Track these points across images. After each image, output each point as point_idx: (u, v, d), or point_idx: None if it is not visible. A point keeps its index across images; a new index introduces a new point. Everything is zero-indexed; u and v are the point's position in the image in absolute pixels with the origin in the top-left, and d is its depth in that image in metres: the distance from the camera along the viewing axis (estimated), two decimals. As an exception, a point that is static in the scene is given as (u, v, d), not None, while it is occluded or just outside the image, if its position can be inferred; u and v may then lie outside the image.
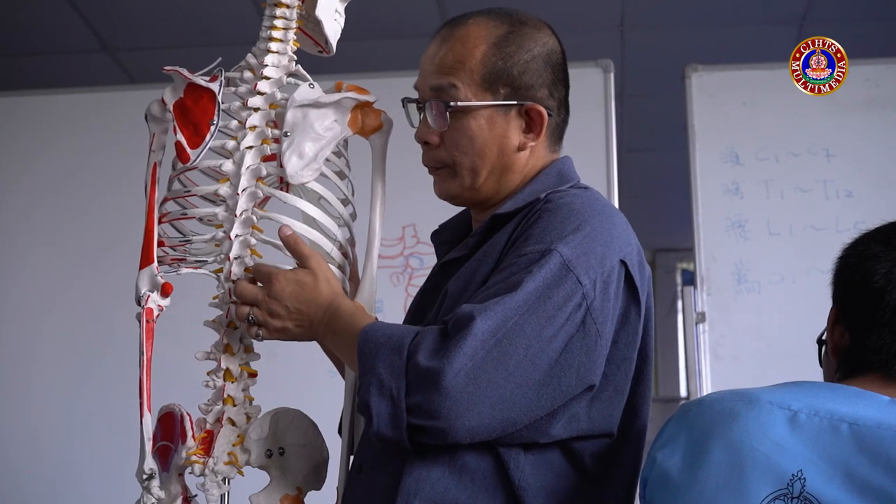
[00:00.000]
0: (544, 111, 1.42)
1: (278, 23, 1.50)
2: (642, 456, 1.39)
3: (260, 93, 1.48)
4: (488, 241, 1.39)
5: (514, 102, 1.41)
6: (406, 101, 1.49)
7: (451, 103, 1.40)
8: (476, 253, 1.39)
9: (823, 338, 1.30)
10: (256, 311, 1.39)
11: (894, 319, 1.19)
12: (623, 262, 1.33)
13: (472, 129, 1.41)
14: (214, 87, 1.45)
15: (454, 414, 1.20)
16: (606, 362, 1.31)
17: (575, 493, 1.31)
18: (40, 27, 3.75)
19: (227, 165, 1.46)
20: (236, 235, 1.44)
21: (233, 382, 1.44)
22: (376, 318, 1.47)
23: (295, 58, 1.52)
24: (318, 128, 1.45)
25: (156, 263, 1.43)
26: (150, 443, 1.39)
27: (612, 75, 3.09)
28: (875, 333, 1.20)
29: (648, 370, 1.40)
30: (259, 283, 1.41)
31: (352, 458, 1.47)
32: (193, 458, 1.39)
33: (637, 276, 1.35)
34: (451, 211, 1.57)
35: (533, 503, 1.28)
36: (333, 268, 1.46)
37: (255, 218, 1.45)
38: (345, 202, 1.51)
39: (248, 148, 1.46)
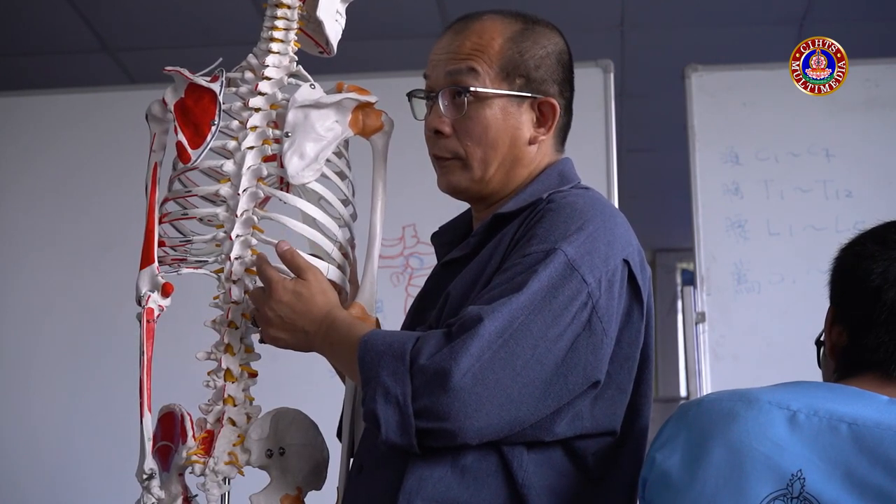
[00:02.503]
0: (557, 105, 1.44)
1: (279, 23, 1.51)
2: (644, 455, 1.39)
3: (261, 93, 1.48)
4: (490, 240, 1.39)
5: (529, 94, 1.42)
6: (412, 95, 1.49)
7: (471, 88, 1.41)
8: (478, 253, 1.40)
9: (822, 339, 1.30)
10: (258, 314, 1.41)
11: (891, 318, 1.19)
12: (626, 262, 1.33)
13: (487, 118, 1.42)
14: (215, 87, 1.45)
15: (463, 415, 1.20)
16: (610, 361, 1.31)
17: (577, 492, 1.32)
18: (40, 27, 3.75)
19: (228, 166, 1.46)
20: (237, 236, 1.44)
21: (233, 382, 1.44)
22: (376, 319, 1.47)
23: (296, 58, 1.52)
24: (319, 128, 1.45)
25: (156, 263, 1.43)
26: (151, 443, 1.39)
27: (612, 75, 3.09)
28: (872, 333, 1.20)
29: (649, 370, 1.41)
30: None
31: (351, 458, 1.47)
32: (194, 457, 1.40)
33: (639, 276, 1.35)
34: (451, 211, 1.57)
35: (536, 502, 1.28)
36: (333, 268, 1.46)
37: (255, 218, 1.45)
38: (345, 202, 1.51)
39: (249, 148, 1.47)
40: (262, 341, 1.44)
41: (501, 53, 1.42)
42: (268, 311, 1.39)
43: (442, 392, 1.20)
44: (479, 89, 1.41)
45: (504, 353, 1.22)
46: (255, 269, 1.43)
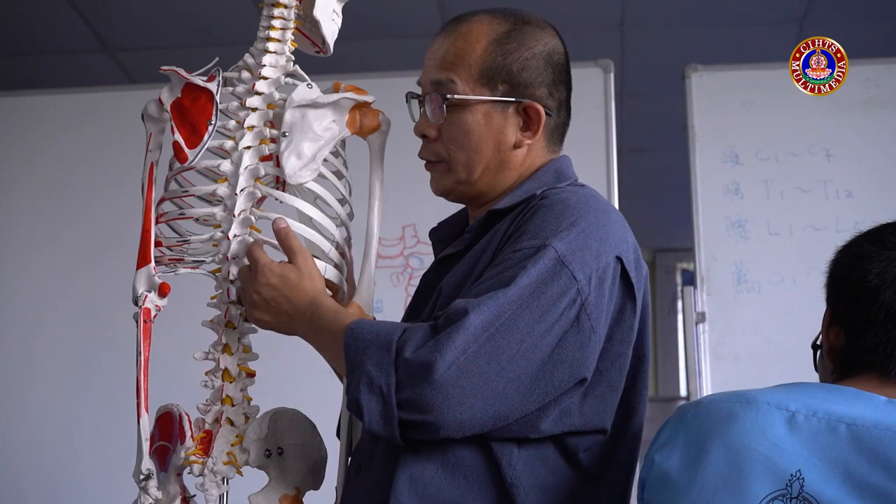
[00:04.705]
0: (542, 109, 1.42)
1: (276, 23, 1.50)
2: (638, 454, 1.39)
3: (258, 93, 1.48)
4: (484, 236, 1.40)
5: (512, 99, 1.42)
6: (409, 97, 1.50)
7: (448, 96, 1.41)
8: (472, 249, 1.40)
9: (818, 342, 1.30)
10: (243, 294, 1.42)
11: (889, 318, 1.19)
12: (619, 259, 1.33)
13: (469, 124, 1.42)
14: (212, 86, 1.45)
15: (445, 407, 1.20)
16: (600, 358, 1.31)
17: (569, 490, 1.31)
18: (40, 27, 3.75)
19: (226, 165, 1.46)
20: (234, 235, 1.44)
21: (231, 382, 1.44)
22: (374, 319, 1.47)
23: (293, 58, 1.52)
24: (317, 128, 1.45)
25: (153, 263, 1.43)
26: (148, 443, 1.39)
27: (612, 75, 3.09)
28: (871, 333, 1.20)
29: (645, 368, 1.40)
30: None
31: (350, 458, 1.47)
32: (192, 458, 1.40)
33: (633, 273, 1.35)
34: (450, 211, 1.57)
35: (525, 500, 1.27)
36: (330, 267, 1.46)
37: (253, 218, 1.45)
38: (342, 202, 1.51)
39: (246, 148, 1.46)
40: (245, 321, 1.44)
41: (483, 58, 1.41)
42: (252, 293, 1.39)
43: (426, 384, 1.20)
44: (457, 97, 1.41)
45: (490, 347, 1.21)
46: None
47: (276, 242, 1.43)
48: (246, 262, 1.43)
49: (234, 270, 1.44)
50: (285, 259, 1.42)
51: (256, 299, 1.39)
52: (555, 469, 1.30)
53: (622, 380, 1.36)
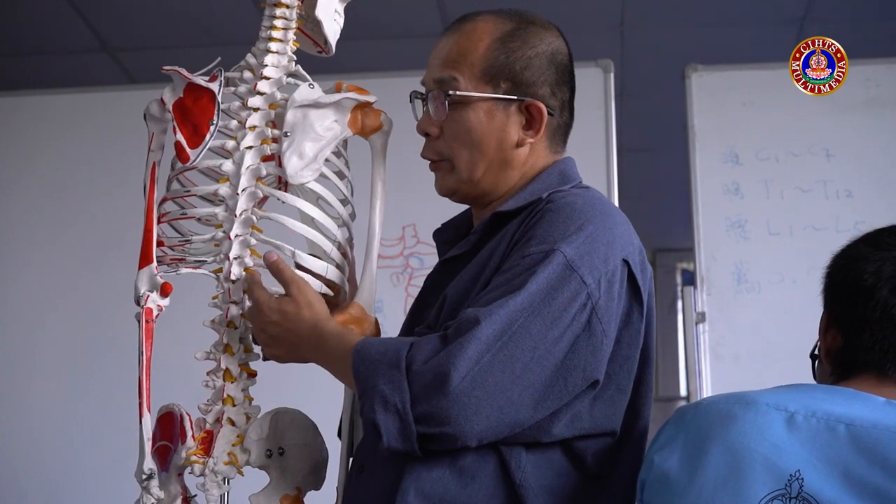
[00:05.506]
0: (544, 108, 1.42)
1: (278, 23, 1.51)
2: (644, 456, 1.39)
3: (260, 93, 1.49)
4: (490, 239, 1.39)
5: (514, 97, 1.42)
6: (413, 96, 1.50)
7: (450, 93, 1.41)
8: (477, 251, 1.39)
9: (816, 352, 1.30)
10: (255, 334, 1.44)
11: (885, 317, 1.20)
12: (626, 262, 1.33)
13: (471, 121, 1.42)
14: (214, 86, 1.45)
15: (463, 419, 1.20)
16: (609, 361, 1.31)
17: (576, 493, 1.31)
18: (40, 27, 3.75)
19: (227, 165, 1.46)
20: (236, 235, 1.45)
21: (232, 382, 1.44)
22: (375, 319, 1.47)
23: (294, 58, 1.52)
24: (318, 128, 1.45)
25: (155, 263, 1.43)
26: (150, 443, 1.39)
27: (612, 75, 3.09)
28: (867, 332, 1.21)
29: (650, 371, 1.40)
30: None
31: (351, 458, 1.47)
32: (193, 458, 1.40)
33: (639, 276, 1.35)
34: (451, 211, 1.57)
35: (533, 502, 1.28)
36: (332, 267, 1.46)
37: (254, 218, 1.45)
38: (344, 202, 1.52)
39: (247, 148, 1.47)
40: (264, 359, 1.46)
41: (486, 56, 1.41)
42: (260, 333, 1.41)
43: (441, 396, 1.19)
44: (459, 94, 1.41)
45: (503, 355, 1.21)
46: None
47: (279, 243, 1.44)
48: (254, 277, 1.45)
49: (235, 270, 1.45)
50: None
51: (265, 338, 1.41)
52: (562, 472, 1.31)
53: (630, 382, 1.36)
